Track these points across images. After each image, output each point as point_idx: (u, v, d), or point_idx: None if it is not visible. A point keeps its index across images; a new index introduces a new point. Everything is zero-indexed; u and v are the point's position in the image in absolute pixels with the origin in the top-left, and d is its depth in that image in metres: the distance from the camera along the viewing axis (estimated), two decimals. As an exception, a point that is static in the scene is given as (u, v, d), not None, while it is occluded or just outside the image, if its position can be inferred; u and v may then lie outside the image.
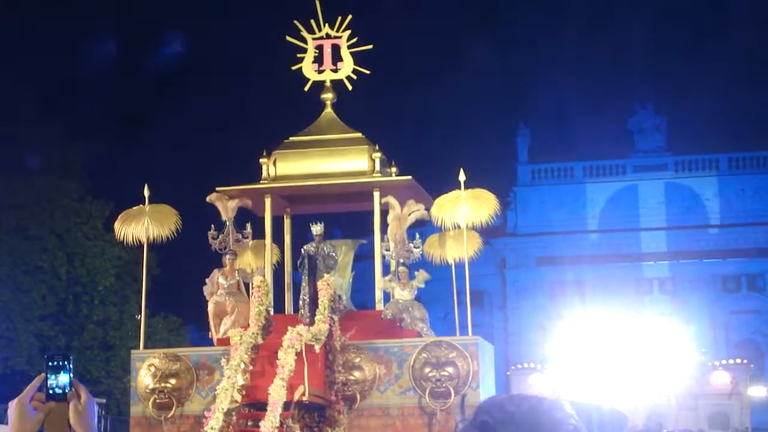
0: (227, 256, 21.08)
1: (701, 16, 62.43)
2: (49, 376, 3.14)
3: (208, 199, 21.61)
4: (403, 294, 20.67)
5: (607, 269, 54.70)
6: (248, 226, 21.69)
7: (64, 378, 3.14)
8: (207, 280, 21.09)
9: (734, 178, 56.01)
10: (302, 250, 20.86)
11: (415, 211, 20.95)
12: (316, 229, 20.67)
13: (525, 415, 2.32)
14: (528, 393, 2.33)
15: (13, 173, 39.21)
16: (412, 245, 20.99)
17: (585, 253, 55.20)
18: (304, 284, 20.36)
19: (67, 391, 3.13)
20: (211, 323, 20.94)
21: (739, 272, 55.91)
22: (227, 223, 21.32)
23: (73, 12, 55.58)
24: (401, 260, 20.93)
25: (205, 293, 21.07)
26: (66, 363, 3.15)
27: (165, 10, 61.86)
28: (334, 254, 20.69)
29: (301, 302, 20.33)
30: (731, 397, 48.49)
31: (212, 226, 21.31)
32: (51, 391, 3.12)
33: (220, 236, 21.19)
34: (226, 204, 21.43)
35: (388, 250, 20.98)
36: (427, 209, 21.60)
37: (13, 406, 3.09)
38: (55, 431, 3.10)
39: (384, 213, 21.96)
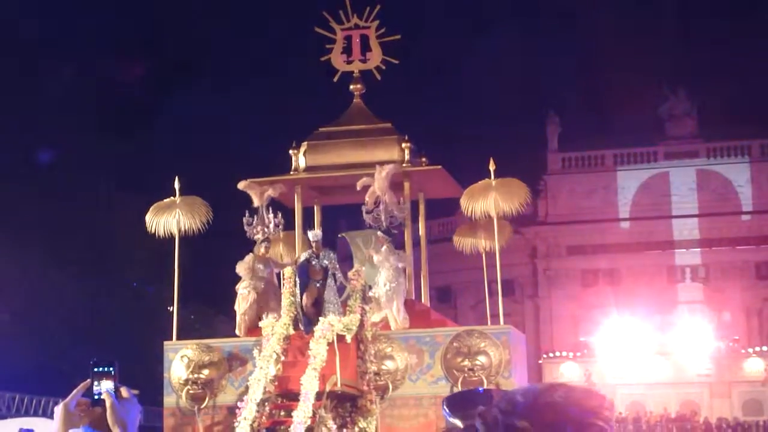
0: (263, 244, 20.94)
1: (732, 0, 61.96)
2: (94, 381, 3.17)
3: (240, 185, 21.47)
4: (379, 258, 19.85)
5: (638, 257, 54.43)
6: (279, 214, 21.52)
7: (109, 384, 3.18)
8: (241, 262, 20.81)
9: (767, 164, 55.55)
10: (292, 266, 19.80)
11: (386, 168, 20.09)
12: (313, 235, 19.91)
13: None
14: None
15: (41, 167, 39.49)
16: (394, 209, 20.18)
17: (616, 241, 54.94)
18: (296, 295, 19.31)
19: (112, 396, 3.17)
20: (249, 310, 20.52)
21: (772, 259, 55.47)
22: (260, 210, 21.18)
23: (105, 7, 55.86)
24: (381, 224, 20.05)
25: (240, 272, 20.67)
26: (111, 369, 3.19)
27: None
28: (334, 262, 19.53)
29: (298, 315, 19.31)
30: (765, 384, 48.24)
31: (246, 212, 21.20)
32: (96, 397, 3.15)
33: (254, 222, 21.03)
34: (259, 191, 21.25)
35: (368, 212, 20.21)
36: (458, 198, 21.55)
37: (58, 410, 3.14)
38: None
39: (414, 203, 21.98)
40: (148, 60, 55.35)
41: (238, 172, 22.49)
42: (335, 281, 19.31)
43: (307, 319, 19.10)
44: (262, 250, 20.88)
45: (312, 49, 23.47)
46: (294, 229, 22.32)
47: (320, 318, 18.64)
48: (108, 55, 52.90)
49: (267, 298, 20.54)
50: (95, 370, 3.19)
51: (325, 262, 19.48)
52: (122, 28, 57.31)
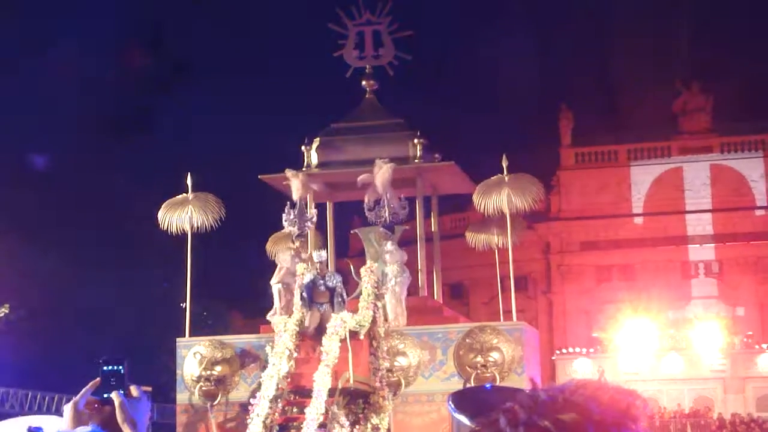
0: (299, 239, 20.73)
1: (746, -5, 61.63)
2: (104, 380, 3.15)
3: (287, 172, 21.10)
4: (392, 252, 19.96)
5: (652, 252, 54.27)
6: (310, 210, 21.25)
7: (118, 382, 3.16)
8: (283, 254, 20.65)
9: (781, 158, 55.28)
10: (300, 286, 19.47)
11: (381, 170, 19.97)
12: (318, 256, 19.79)
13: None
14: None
15: (55, 167, 39.58)
16: (396, 207, 20.09)
17: (629, 236, 54.79)
18: (304, 311, 19.16)
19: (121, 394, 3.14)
20: (284, 307, 20.19)
21: (787, 254, 55.23)
22: (299, 203, 20.84)
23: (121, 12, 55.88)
24: (384, 221, 20.03)
25: (282, 263, 20.49)
26: (121, 368, 3.16)
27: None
28: (341, 285, 19.62)
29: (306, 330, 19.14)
30: (779, 380, 48.05)
31: (288, 203, 20.94)
32: (106, 395, 3.13)
33: (293, 215, 20.74)
34: (303, 182, 20.86)
35: (370, 210, 20.22)
36: (470, 194, 21.49)
37: (67, 408, 3.12)
38: None
39: (425, 198, 21.93)
40: (155, 59, 55.36)
41: (251, 169, 22.46)
42: (343, 301, 19.23)
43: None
44: (297, 244, 20.64)
45: (325, 45, 23.43)
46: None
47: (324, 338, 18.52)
48: (117, 53, 52.96)
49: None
50: (104, 368, 3.17)
51: (331, 284, 19.34)
52: (130, 27, 57.34)
